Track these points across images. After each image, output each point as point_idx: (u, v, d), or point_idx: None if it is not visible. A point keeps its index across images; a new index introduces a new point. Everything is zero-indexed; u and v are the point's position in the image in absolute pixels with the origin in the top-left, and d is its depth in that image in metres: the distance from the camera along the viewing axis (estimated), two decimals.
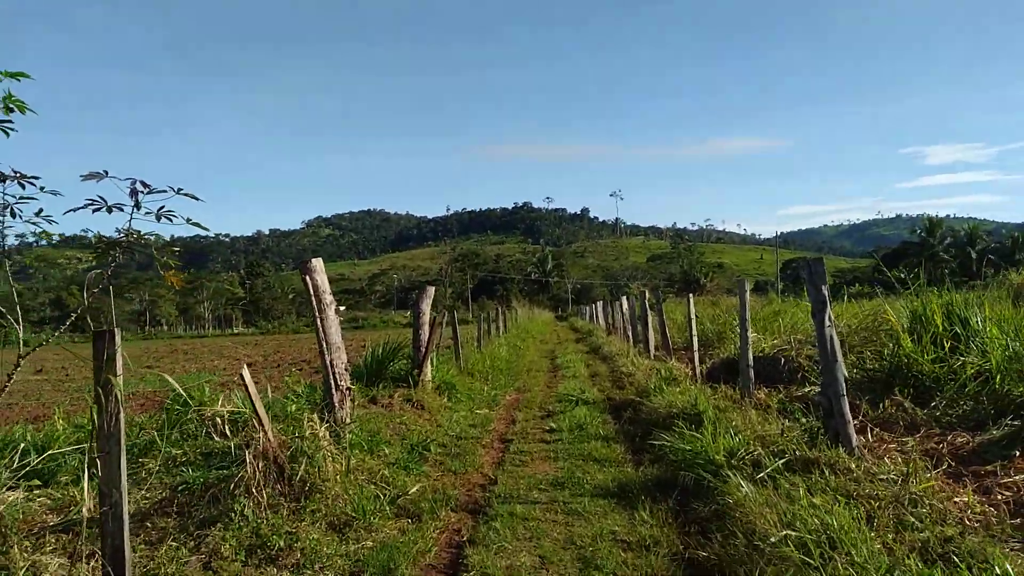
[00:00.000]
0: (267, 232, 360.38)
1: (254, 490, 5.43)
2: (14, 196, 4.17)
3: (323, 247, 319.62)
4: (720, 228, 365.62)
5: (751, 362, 9.27)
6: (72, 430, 8.64)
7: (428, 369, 11.59)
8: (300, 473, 5.89)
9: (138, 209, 4.18)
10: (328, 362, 7.50)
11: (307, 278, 7.48)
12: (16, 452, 6.44)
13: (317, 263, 7.64)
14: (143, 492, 6.71)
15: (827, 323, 6.37)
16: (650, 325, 18.61)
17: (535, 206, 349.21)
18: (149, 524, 5.71)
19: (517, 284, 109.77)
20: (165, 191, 4.16)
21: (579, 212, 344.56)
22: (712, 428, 7.07)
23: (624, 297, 26.24)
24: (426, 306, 11.65)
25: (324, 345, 7.46)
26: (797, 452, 6.08)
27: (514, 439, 9.39)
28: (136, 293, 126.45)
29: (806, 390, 10.16)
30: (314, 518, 5.51)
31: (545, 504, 6.30)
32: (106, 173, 4.13)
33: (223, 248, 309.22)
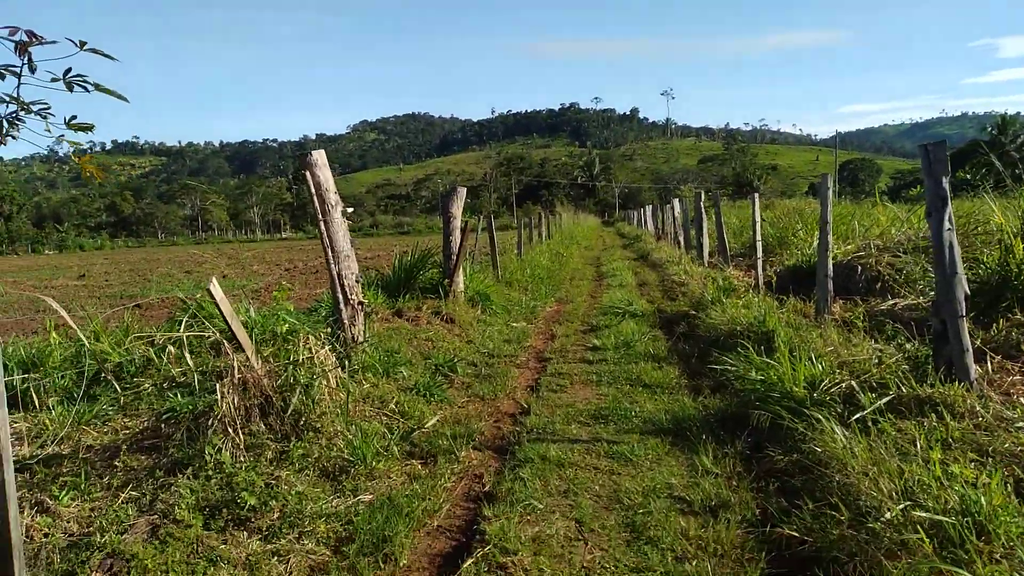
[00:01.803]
0: (313, 137, 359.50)
1: (230, 429, 4.48)
2: None
3: (369, 152, 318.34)
4: (774, 129, 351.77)
5: (830, 271, 7.94)
6: (69, 344, 7.86)
7: (460, 279, 10.52)
8: (291, 407, 4.93)
9: (32, 71, 3.03)
10: (335, 273, 6.44)
11: (307, 174, 6.34)
12: None
13: (319, 156, 6.48)
14: (126, 420, 5.89)
15: (947, 225, 5.01)
16: (705, 229, 17.18)
17: (582, 107, 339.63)
18: (118, 463, 4.85)
19: (563, 189, 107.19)
20: (57, 42, 3.00)
21: (628, 113, 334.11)
22: (788, 352, 5.87)
23: (675, 200, 24.63)
24: (457, 209, 10.46)
25: (330, 253, 6.38)
26: (903, 388, 4.86)
27: (552, 358, 8.33)
28: (188, 199, 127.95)
29: (889, 303, 8.83)
30: (303, 463, 4.55)
31: (585, 444, 5.25)
32: None
33: (271, 153, 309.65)
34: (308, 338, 5.28)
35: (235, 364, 4.58)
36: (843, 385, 5.39)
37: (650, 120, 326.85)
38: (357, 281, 6.69)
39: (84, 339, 7.69)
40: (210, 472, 4.26)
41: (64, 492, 4.24)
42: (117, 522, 3.78)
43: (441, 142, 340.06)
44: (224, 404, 4.48)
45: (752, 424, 5.24)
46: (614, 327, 9.86)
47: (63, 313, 6.26)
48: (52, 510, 4.10)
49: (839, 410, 4.93)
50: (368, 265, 24.31)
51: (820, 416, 4.73)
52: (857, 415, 4.65)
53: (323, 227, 6.35)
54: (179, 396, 5.43)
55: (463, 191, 10.77)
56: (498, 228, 17.53)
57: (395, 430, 5.44)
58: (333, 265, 6.40)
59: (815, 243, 13.28)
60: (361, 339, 6.65)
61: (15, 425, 5.79)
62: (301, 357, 5.13)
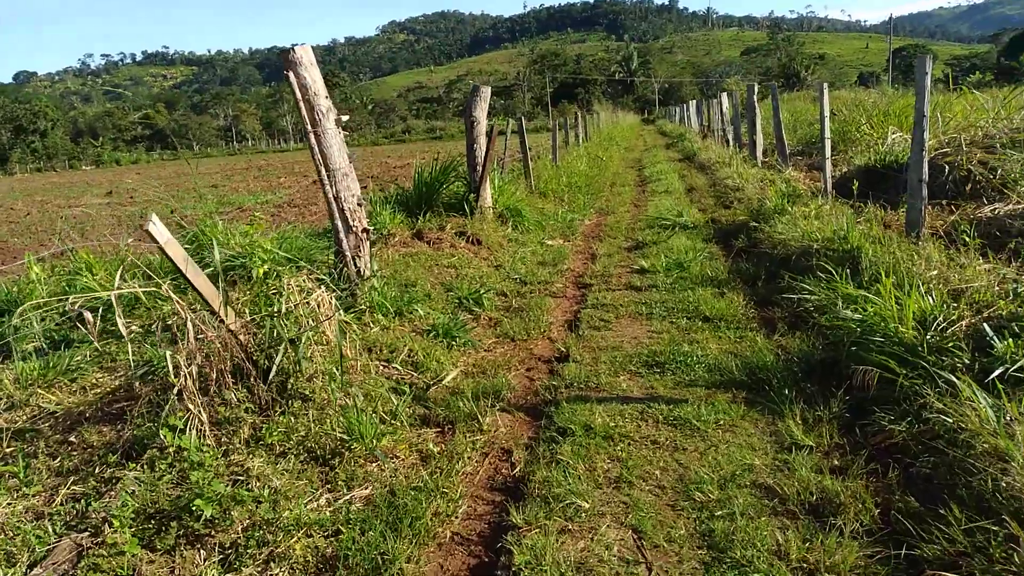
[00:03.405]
0: (342, 40, 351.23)
1: (191, 405, 3.55)
2: None
3: (399, 54, 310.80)
4: (822, 15, 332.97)
5: (925, 174, 6.61)
6: (57, 278, 7.02)
7: (487, 192, 9.37)
8: (274, 370, 3.98)
9: None
10: (331, 196, 5.37)
11: (290, 75, 5.19)
12: None
13: (303, 53, 5.29)
14: (101, 375, 5.04)
15: None
16: (758, 126, 15.58)
17: None
18: (74, 439, 4.02)
19: (599, 86, 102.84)
20: None
21: (667, 3, 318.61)
22: (889, 281, 4.70)
23: (723, 94, 22.74)
24: (481, 112, 9.19)
25: (323, 172, 5.29)
26: None
27: (593, 283, 7.26)
28: (220, 108, 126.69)
29: (990, 209, 7.51)
30: (285, 445, 3.63)
31: (638, 404, 4.23)
32: None
33: None
34: (292, 281, 4.27)
35: (189, 326, 3.60)
36: (964, 324, 4.26)
37: (690, 10, 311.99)
38: (359, 204, 5.62)
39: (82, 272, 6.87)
40: (167, 462, 3.37)
41: None
42: (34, 541, 2.90)
43: (472, 41, 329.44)
44: (182, 376, 3.53)
45: (849, 377, 4.17)
46: (663, 243, 8.70)
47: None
48: None
49: (966, 360, 3.82)
50: (397, 175, 23.15)
51: (946, 372, 3.64)
52: (998, 370, 3.55)
53: (313, 140, 5.24)
54: (159, 349, 4.52)
55: (487, 91, 9.46)
56: (532, 131, 16.17)
57: (405, 389, 4.48)
58: (328, 186, 5.33)
59: (889, 138, 11.79)
60: (368, 273, 5.64)
61: None
62: (284, 306, 4.13)
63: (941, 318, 4.29)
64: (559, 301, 6.83)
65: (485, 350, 5.47)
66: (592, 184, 15.30)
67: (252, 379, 4.01)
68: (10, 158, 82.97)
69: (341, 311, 4.96)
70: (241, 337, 4.10)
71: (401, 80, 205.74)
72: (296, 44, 5.27)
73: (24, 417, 4.45)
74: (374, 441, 3.73)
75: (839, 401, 3.94)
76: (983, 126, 10.30)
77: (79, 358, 5.25)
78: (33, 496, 3.40)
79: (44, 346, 5.41)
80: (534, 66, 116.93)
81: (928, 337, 4.12)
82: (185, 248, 6.54)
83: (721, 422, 3.94)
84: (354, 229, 5.59)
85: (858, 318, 4.53)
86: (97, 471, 3.55)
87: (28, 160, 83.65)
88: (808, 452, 3.54)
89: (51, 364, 4.99)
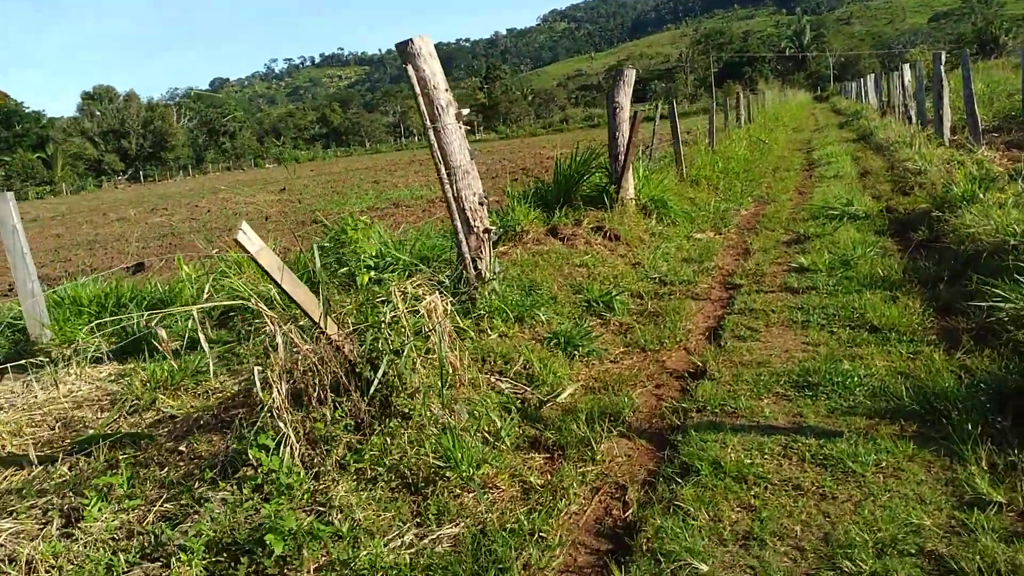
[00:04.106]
0: (504, 33, 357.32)
1: (283, 424, 3.37)
2: None
3: (559, 43, 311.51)
4: None
5: None
6: (208, 277, 7.27)
7: (630, 182, 8.80)
8: (374, 385, 3.74)
9: None
10: (451, 195, 5.10)
11: (409, 67, 4.94)
12: None
13: (422, 44, 5.03)
14: (227, 378, 5.08)
15: None
16: (946, 99, 13.78)
17: None
18: (184, 448, 4.00)
19: (768, 63, 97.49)
20: None
21: None
22: None
23: (905, 66, 20.51)
24: (624, 98, 8.62)
25: (443, 170, 5.02)
26: None
27: (743, 284, 6.55)
28: (390, 106, 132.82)
29: None
30: (375, 471, 3.36)
31: (782, 437, 3.60)
32: None
33: (464, 54, 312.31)
34: (399, 287, 4.00)
35: (280, 340, 3.42)
36: None
37: None
38: (481, 203, 5.31)
39: (226, 270, 7.10)
40: (254, 483, 3.21)
41: (94, 501, 3.37)
42: (102, 574, 2.81)
43: (634, 24, 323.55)
44: (274, 393, 3.36)
45: None
46: (827, 236, 7.77)
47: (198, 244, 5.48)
48: (78, 527, 3.25)
49: None
50: (549, 166, 22.86)
51: None
52: None
53: (432, 136, 4.97)
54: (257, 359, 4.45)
55: (631, 74, 8.87)
56: (692, 113, 15.25)
57: (517, 405, 4.12)
58: (448, 185, 5.05)
59: None
60: (489, 275, 5.32)
61: (111, 384, 5.19)
62: (387, 317, 3.88)
63: None
64: (701, 304, 6.20)
65: (611, 361, 5.00)
66: (752, 170, 14.23)
67: (354, 393, 3.81)
68: (204, 158, 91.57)
69: (459, 317, 4.69)
70: (345, 348, 3.90)
71: (561, 69, 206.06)
72: (415, 36, 5.01)
73: (147, 421, 4.53)
74: (472, 469, 3.38)
75: None
76: None
77: (208, 361, 5.31)
78: (132, 511, 3.35)
79: (179, 348, 5.55)
80: (698, 46, 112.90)
81: None
82: (326, 247, 6.56)
83: (883, 464, 3.25)
84: (475, 229, 5.29)
85: None
86: (195, 486, 3.46)
87: (220, 160, 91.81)
88: (996, 511, 2.80)
89: (180, 367, 5.08)
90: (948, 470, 3.15)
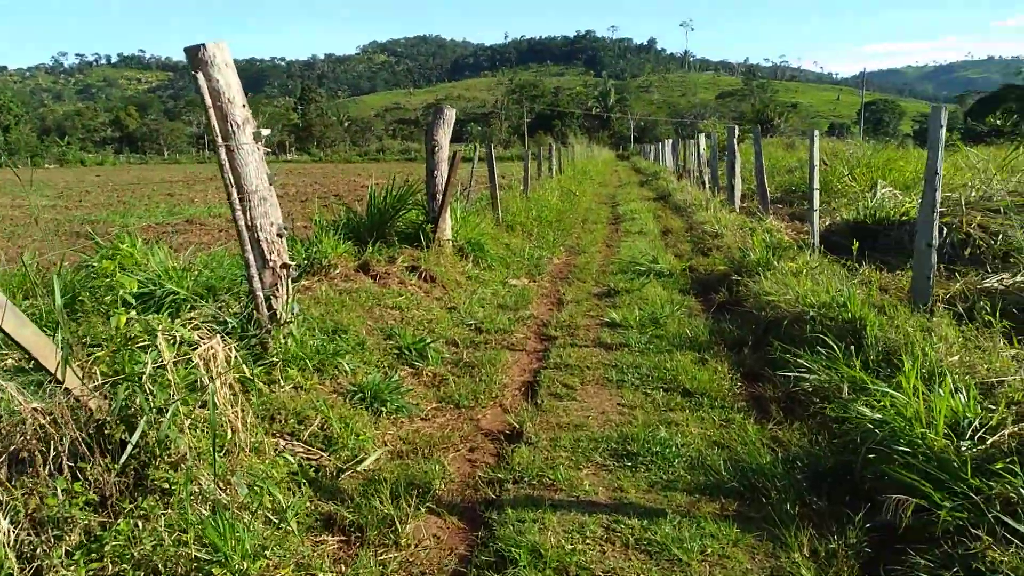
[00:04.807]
0: (322, 57, 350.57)
1: None
2: None
3: (378, 74, 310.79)
4: (795, 66, 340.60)
5: (935, 238, 5.86)
6: None
7: (447, 223, 8.46)
8: (127, 453, 2.99)
9: None
10: (245, 224, 4.42)
11: (199, 76, 4.24)
12: None
13: (216, 51, 4.35)
14: None
15: None
16: (737, 169, 14.94)
17: (598, 35, 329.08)
18: None
19: (576, 119, 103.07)
20: None
21: (646, 43, 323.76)
22: (914, 372, 3.87)
23: (701, 135, 22.22)
24: (443, 137, 8.31)
25: (234, 195, 4.33)
26: None
27: (558, 336, 6.37)
28: (194, 115, 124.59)
29: (997, 279, 6.79)
30: (117, 567, 2.63)
31: (604, 516, 3.31)
32: None
33: (279, 72, 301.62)
34: (164, 334, 3.28)
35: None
36: (1007, 433, 3.44)
37: (668, 52, 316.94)
38: (280, 235, 4.67)
39: None
40: None
41: None
42: None
43: (452, 66, 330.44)
44: None
45: (867, 494, 3.31)
46: (636, 292, 7.86)
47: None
48: None
49: (1022, 489, 2.98)
50: (363, 195, 22.13)
51: (1001, 510, 2.80)
52: None
53: (224, 156, 4.28)
54: None
55: (451, 113, 8.59)
56: (507, 159, 15.32)
57: (307, 476, 3.52)
58: (240, 212, 4.37)
59: (879, 192, 11.16)
60: (286, 317, 4.67)
61: None
62: (150, 366, 3.15)
63: (977, 423, 3.48)
64: (518, 356, 5.92)
65: (422, 419, 4.53)
66: (563, 219, 14.50)
67: (100, 461, 3.03)
68: None
69: (246, 365, 3.99)
70: (92, 404, 3.12)
71: (379, 100, 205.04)
72: (208, 41, 4.33)
73: None
74: (247, 562, 2.75)
75: (858, 529, 3.06)
76: (976, 186, 9.73)
77: None
78: None
79: None
80: (512, 95, 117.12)
81: (963, 447, 3.31)
82: (94, 269, 5.49)
83: (708, 551, 3.04)
84: (271, 264, 4.63)
85: (877, 418, 3.68)
86: None
87: None
88: None
89: None
90: (772, 557, 3.00)
